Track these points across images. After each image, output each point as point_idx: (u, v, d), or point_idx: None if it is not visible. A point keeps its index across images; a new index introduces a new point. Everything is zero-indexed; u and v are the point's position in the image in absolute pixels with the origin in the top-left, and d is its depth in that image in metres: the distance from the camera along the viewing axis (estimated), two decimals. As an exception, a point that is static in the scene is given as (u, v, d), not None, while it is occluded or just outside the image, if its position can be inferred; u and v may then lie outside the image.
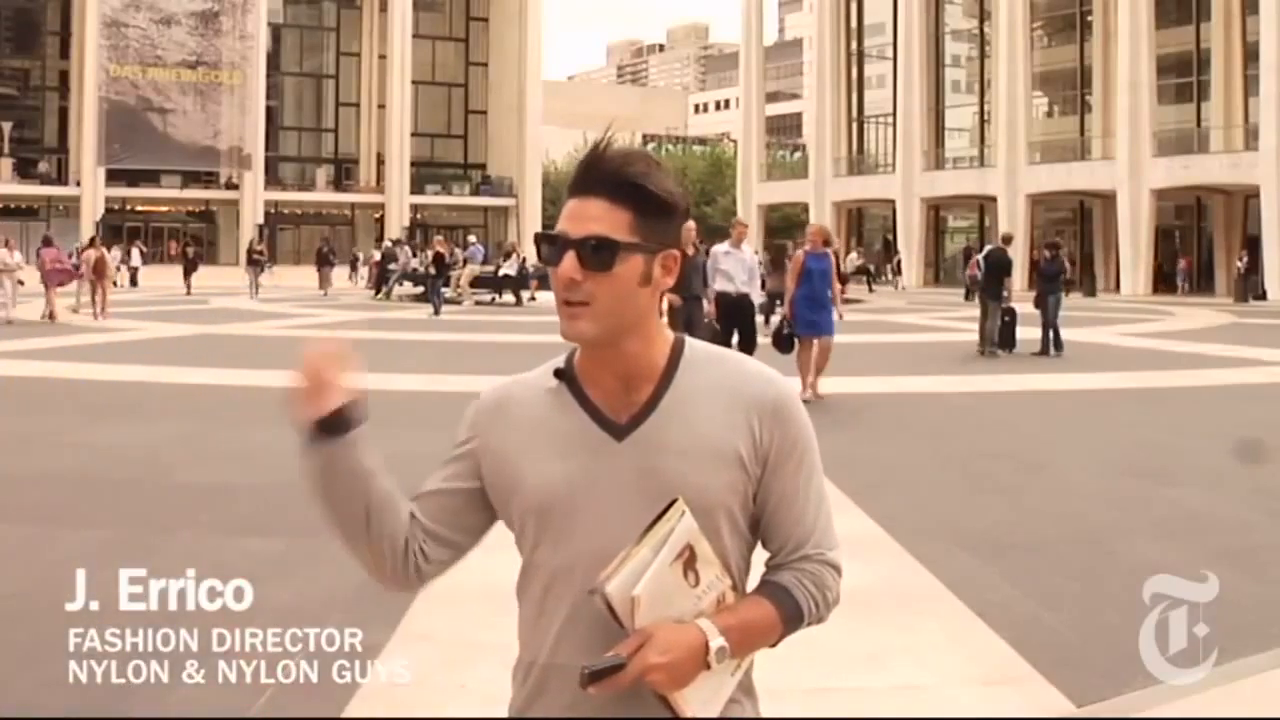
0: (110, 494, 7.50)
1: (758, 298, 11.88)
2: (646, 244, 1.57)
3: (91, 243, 25.56)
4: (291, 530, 6.47)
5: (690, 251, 10.86)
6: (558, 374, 1.64)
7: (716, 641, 1.50)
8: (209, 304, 28.54)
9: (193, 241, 52.24)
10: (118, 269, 35.18)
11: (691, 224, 10.66)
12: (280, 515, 6.89)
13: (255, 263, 33.02)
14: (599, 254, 1.54)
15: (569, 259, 1.54)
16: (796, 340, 11.34)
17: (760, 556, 1.69)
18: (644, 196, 1.56)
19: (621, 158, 1.57)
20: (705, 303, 11.58)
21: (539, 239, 1.59)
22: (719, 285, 11.55)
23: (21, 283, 22.45)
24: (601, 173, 1.56)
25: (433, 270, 26.46)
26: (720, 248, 11.94)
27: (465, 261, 30.41)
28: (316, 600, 5.18)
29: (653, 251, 1.58)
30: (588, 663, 1.46)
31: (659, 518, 1.51)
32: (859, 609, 4.75)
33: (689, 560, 1.52)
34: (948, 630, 4.82)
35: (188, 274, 34.02)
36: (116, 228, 52.38)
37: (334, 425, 1.67)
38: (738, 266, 11.65)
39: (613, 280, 1.55)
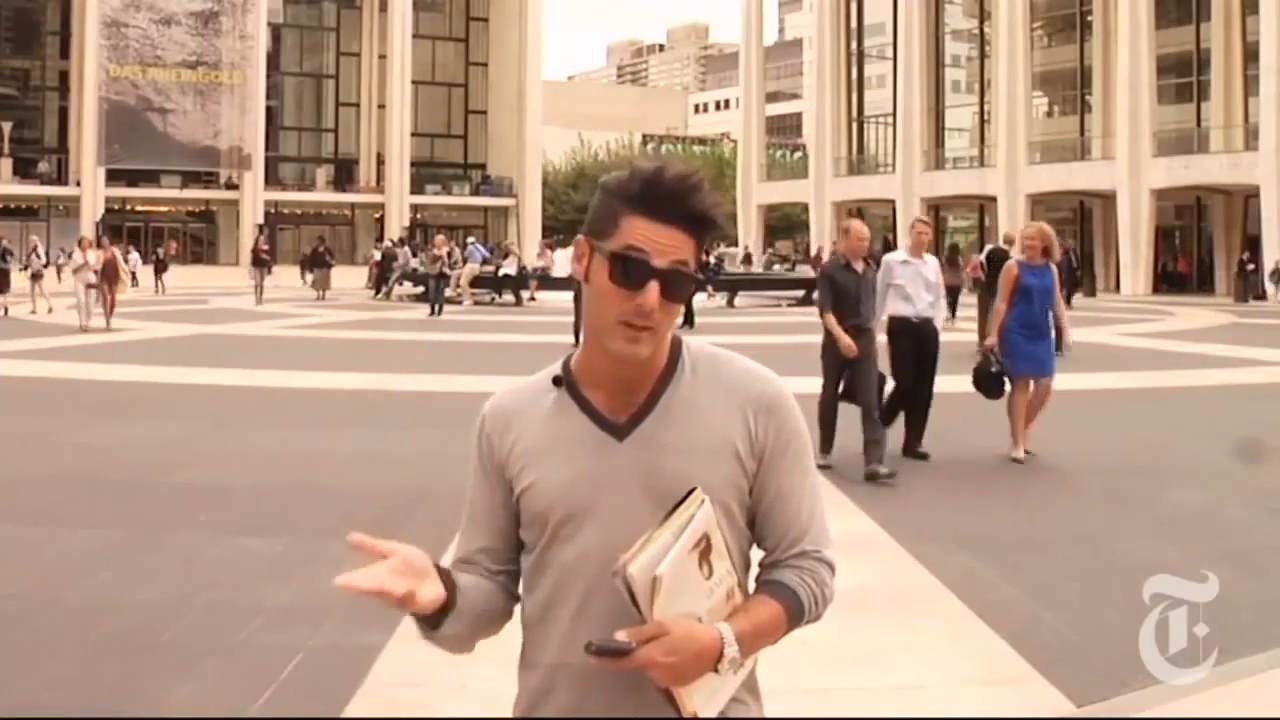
0: (110, 494, 7.50)
1: (941, 322, 8.98)
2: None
3: (99, 243, 22.93)
4: (291, 530, 6.47)
5: (861, 268, 8.12)
6: (556, 381, 1.65)
7: (731, 650, 1.50)
8: (209, 304, 28.55)
9: (165, 242, 53.95)
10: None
11: (860, 228, 8.36)
12: (280, 515, 6.90)
13: (261, 263, 30.31)
14: (683, 288, 1.57)
15: (654, 289, 1.54)
16: (1008, 380, 8.62)
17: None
18: (711, 230, 1.60)
19: (711, 195, 1.59)
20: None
21: (614, 258, 1.56)
22: (894, 307, 8.59)
23: (92, 286, 20.26)
24: (689, 208, 1.56)
25: (437, 270, 26.04)
26: (895, 256, 8.96)
27: (465, 261, 30.36)
28: (316, 600, 5.18)
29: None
30: (598, 639, 1.47)
31: (678, 505, 1.53)
32: (859, 609, 4.75)
33: (704, 551, 1.52)
34: (948, 630, 4.82)
35: (159, 273, 35.42)
36: (116, 228, 52.30)
37: (434, 618, 1.60)
38: (918, 282, 8.66)
39: (676, 308, 1.58)
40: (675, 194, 1.56)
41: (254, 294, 29.31)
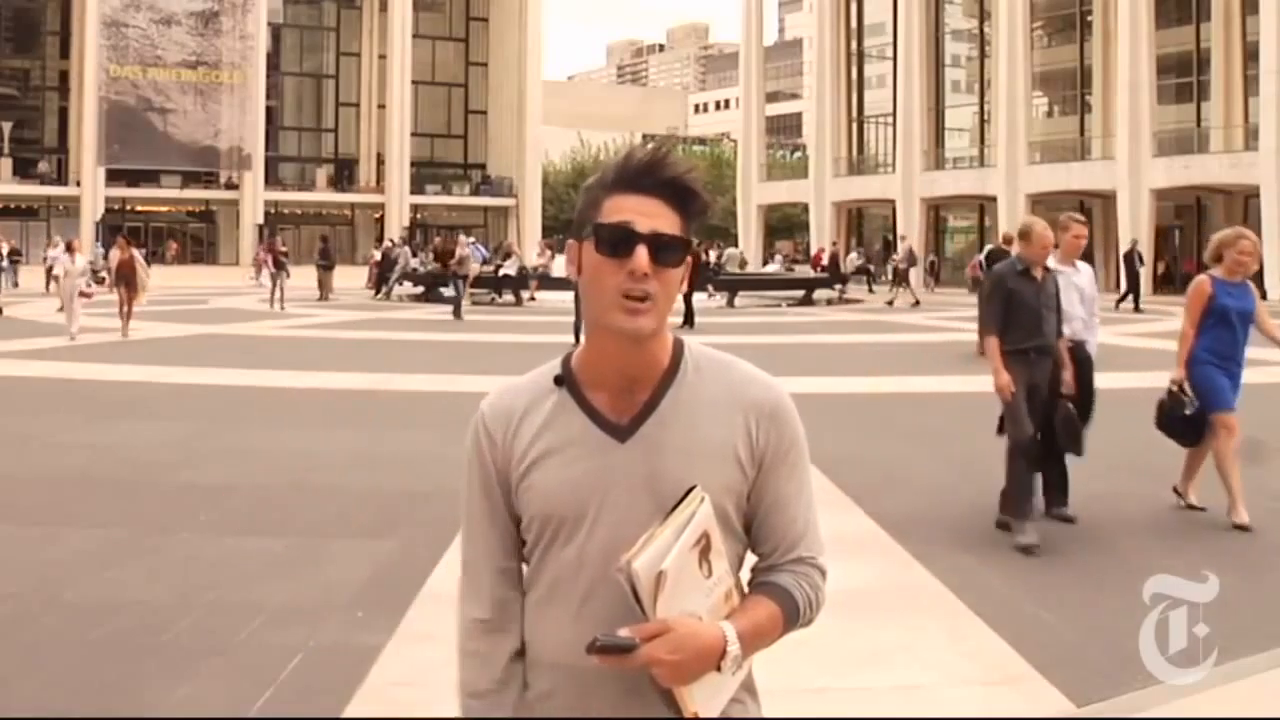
0: (110, 494, 7.50)
1: (1095, 345, 7.29)
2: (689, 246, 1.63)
3: (116, 242, 20.69)
4: (291, 530, 6.48)
5: (1039, 274, 6.57)
6: (557, 380, 1.65)
7: (733, 648, 1.51)
8: (209, 304, 28.54)
9: (165, 243, 56.36)
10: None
11: (1045, 231, 6.68)
12: (280, 515, 6.90)
13: (280, 265, 27.45)
14: (672, 251, 1.58)
15: (642, 252, 1.56)
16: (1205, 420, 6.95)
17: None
18: (694, 202, 1.62)
19: (682, 163, 1.62)
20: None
21: (599, 230, 1.59)
22: None
23: (87, 294, 18.82)
24: (665, 175, 1.60)
25: (464, 271, 25.17)
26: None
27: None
28: (316, 600, 5.18)
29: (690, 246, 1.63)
30: (601, 636, 1.47)
31: (679, 503, 1.53)
32: (859, 609, 4.76)
33: (705, 549, 1.53)
34: (948, 630, 4.82)
35: None
36: (116, 228, 52.36)
37: None
38: (1072, 295, 7.00)
39: (671, 278, 1.59)
40: (647, 165, 1.60)
41: (270, 298, 27.12)
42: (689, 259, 1.65)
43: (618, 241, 1.56)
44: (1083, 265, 7.31)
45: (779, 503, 1.64)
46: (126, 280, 18.66)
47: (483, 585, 1.68)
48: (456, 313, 23.89)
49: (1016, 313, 6.46)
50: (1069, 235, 7.19)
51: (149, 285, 19.39)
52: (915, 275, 37.85)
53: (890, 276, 32.20)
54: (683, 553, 1.49)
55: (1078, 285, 7.13)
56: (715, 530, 1.55)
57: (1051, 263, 6.90)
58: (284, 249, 29.36)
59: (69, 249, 19.88)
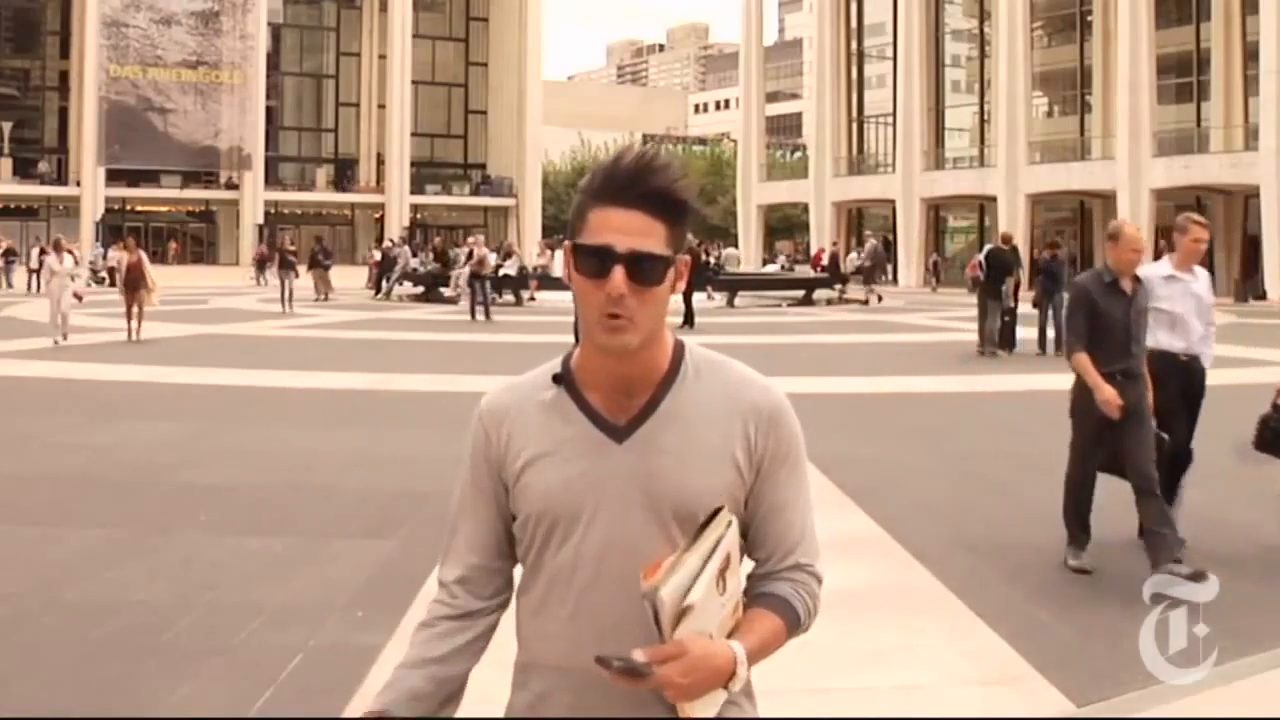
0: (110, 494, 7.50)
1: (1210, 358, 6.52)
2: (675, 253, 1.58)
3: (124, 243, 20.12)
4: (291, 530, 6.48)
5: (1129, 286, 5.81)
6: (556, 379, 1.64)
7: (743, 670, 1.50)
8: (209, 304, 28.53)
9: (165, 243, 57.06)
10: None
11: (1135, 234, 5.96)
12: (280, 515, 6.90)
13: (288, 265, 26.69)
14: (651, 271, 1.54)
15: (619, 274, 1.52)
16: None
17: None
18: (681, 210, 1.57)
19: (671, 171, 1.56)
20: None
21: (577, 250, 1.56)
22: (1156, 339, 6.11)
23: (79, 297, 18.51)
24: (648, 187, 1.54)
25: (487, 271, 24.74)
26: (1157, 269, 6.39)
27: (468, 260, 30.25)
28: (316, 600, 5.18)
29: (674, 260, 1.59)
30: (616, 656, 1.45)
31: (705, 525, 1.52)
32: (859, 609, 4.76)
33: (723, 569, 1.52)
34: (948, 630, 4.82)
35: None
36: (116, 228, 52.37)
37: None
38: (1188, 304, 6.32)
39: (653, 295, 1.55)
40: (632, 176, 1.55)
41: (280, 299, 25.94)
42: (687, 258, 1.63)
43: (595, 263, 1.53)
44: (1200, 271, 6.52)
45: (776, 507, 1.63)
46: (135, 283, 18.17)
47: (450, 573, 1.73)
48: (481, 313, 23.54)
49: (1102, 332, 5.75)
50: (1187, 239, 6.36)
51: (158, 286, 19.10)
52: (906, 274, 37.86)
53: (863, 275, 32.64)
54: (709, 580, 1.48)
55: (1195, 293, 6.38)
56: (737, 551, 1.54)
57: (1165, 267, 6.37)
58: (292, 249, 28.83)
59: (57, 249, 19.38)
